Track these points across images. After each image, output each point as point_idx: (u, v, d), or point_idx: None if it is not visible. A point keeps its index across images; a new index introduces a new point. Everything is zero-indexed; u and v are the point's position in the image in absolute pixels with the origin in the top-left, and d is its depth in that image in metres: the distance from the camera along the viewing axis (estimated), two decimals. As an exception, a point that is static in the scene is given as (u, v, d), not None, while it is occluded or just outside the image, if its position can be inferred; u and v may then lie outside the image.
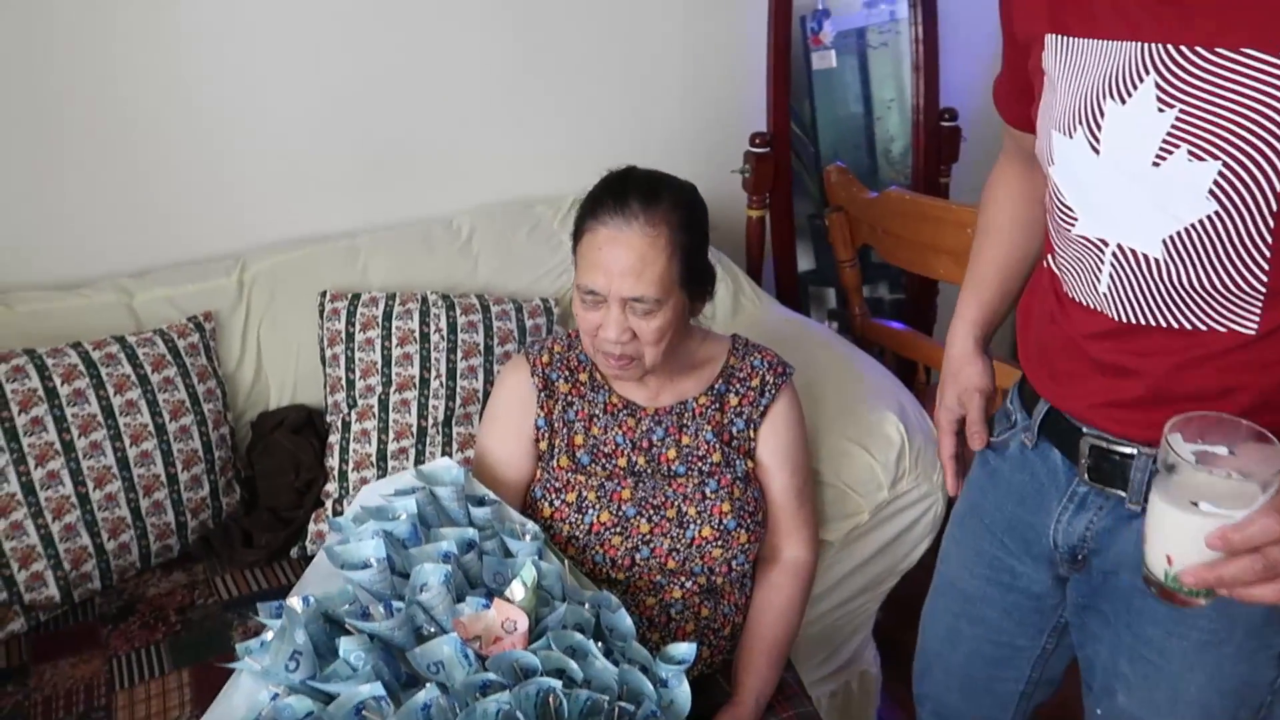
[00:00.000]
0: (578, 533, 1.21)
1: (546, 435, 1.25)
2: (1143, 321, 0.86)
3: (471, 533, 1.11)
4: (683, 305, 1.19)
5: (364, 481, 1.54)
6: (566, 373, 1.27)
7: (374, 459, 1.54)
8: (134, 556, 1.43)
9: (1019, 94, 0.97)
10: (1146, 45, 0.79)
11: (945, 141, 2.08)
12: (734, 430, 1.26)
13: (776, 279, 2.00)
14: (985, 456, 1.08)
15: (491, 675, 0.93)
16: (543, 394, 1.26)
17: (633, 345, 1.17)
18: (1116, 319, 0.87)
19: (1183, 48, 0.76)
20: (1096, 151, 0.83)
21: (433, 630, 1.00)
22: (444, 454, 1.55)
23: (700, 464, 1.24)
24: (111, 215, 1.64)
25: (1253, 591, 0.71)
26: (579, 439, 1.25)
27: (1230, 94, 0.74)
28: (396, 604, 1.00)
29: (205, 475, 1.51)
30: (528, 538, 1.12)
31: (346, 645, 0.93)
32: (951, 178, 2.14)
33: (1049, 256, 0.96)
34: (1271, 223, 0.76)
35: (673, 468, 1.24)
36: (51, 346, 1.43)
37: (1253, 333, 0.81)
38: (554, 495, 1.22)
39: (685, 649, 1.05)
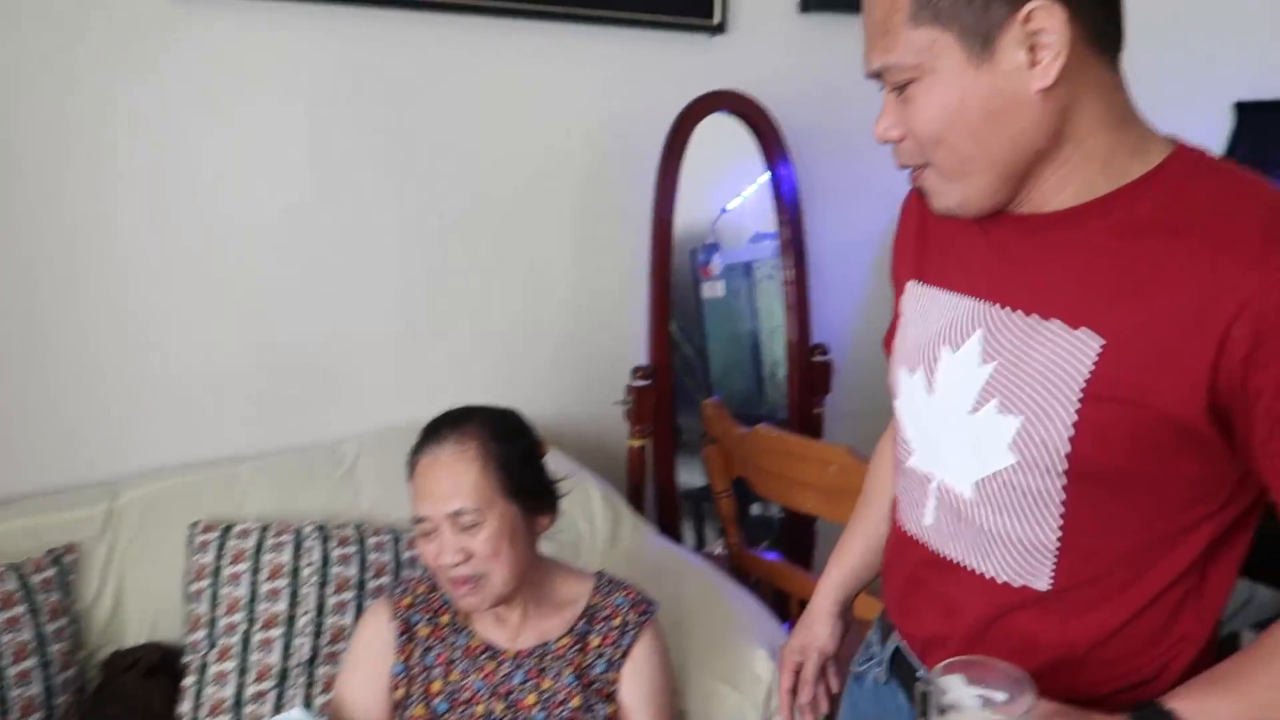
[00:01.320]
0: (431, 788, 1.17)
1: (404, 683, 1.23)
2: (956, 559, 0.91)
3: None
4: (514, 517, 1.21)
5: (218, 728, 1.46)
6: (429, 615, 1.27)
7: (230, 704, 1.47)
8: (-51, 820, 1.32)
9: None
10: (979, 302, 0.88)
11: (818, 375, 2.21)
12: (595, 673, 1.26)
13: (658, 509, 2.04)
14: (850, 688, 1.12)
15: None
16: (402, 638, 1.24)
17: (472, 564, 1.18)
18: (937, 553, 0.93)
19: (1007, 309, 0.86)
20: (931, 391, 0.91)
21: None
22: (305, 698, 1.50)
23: (560, 710, 1.22)
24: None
25: None
26: (436, 685, 1.23)
27: (1038, 356, 0.82)
28: None
29: (44, 724, 1.41)
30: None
31: None
32: (825, 408, 2.25)
33: (897, 486, 1.03)
34: (1063, 480, 0.83)
35: (531, 715, 1.22)
36: (-110, 585, 1.37)
37: (1046, 589, 0.86)
38: (407, 747, 1.19)
39: None
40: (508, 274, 1.99)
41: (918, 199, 1.01)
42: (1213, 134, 2.14)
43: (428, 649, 1.24)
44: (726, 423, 1.77)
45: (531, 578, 1.24)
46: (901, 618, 1.01)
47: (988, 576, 0.89)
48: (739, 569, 1.78)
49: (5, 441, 1.63)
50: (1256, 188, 0.78)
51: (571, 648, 1.26)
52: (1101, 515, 0.83)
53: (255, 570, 1.54)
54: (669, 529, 2.00)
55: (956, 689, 0.75)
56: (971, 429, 0.87)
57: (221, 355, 1.77)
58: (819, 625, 1.17)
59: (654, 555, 1.72)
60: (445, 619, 1.27)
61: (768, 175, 2.26)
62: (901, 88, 0.82)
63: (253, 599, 1.53)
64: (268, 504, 1.68)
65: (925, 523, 0.94)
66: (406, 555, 1.65)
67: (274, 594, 1.53)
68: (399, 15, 1.80)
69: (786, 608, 1.72)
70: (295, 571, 1.55)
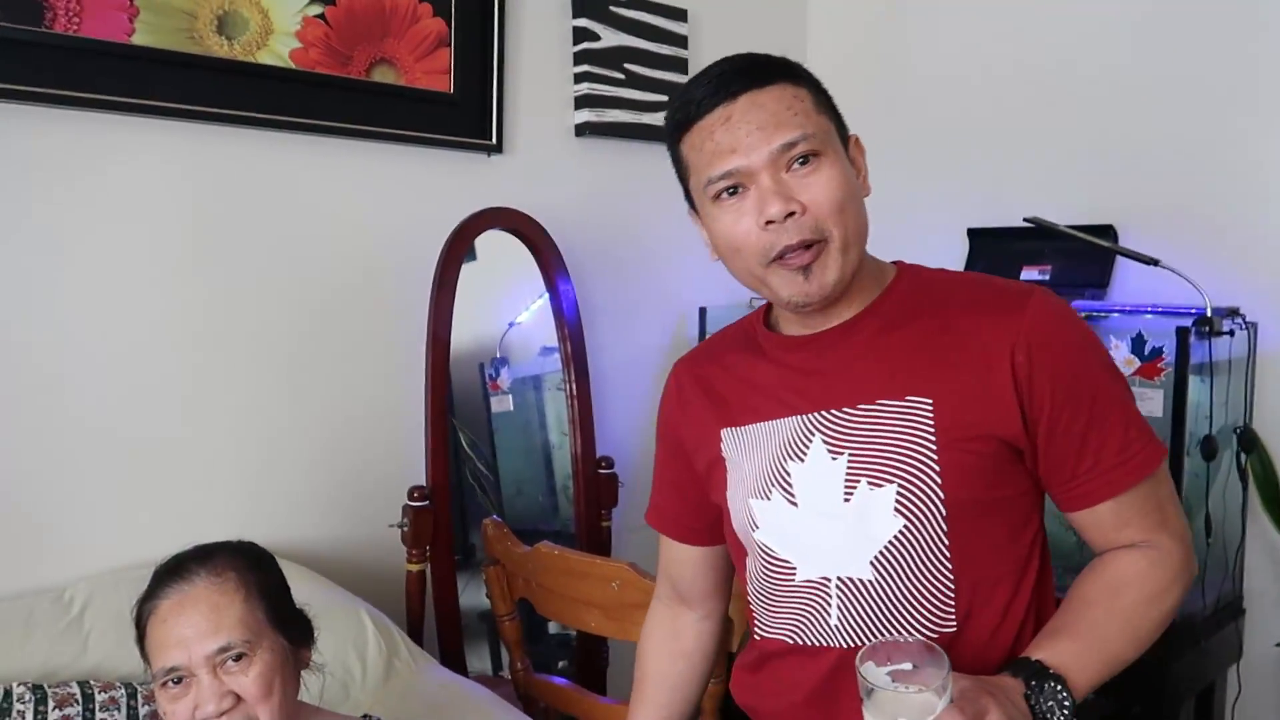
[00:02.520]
0: None
1: None
2: (868, 643, 0.95)
3: None
4: (284, 651, 1.10)
5: None
6: (157, 783, 1.10)
7: None
8: None
9: (688, 507, 1.15)
10: (804, 416, 1.01)
11: (604, 488, 2.19)
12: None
13: (439, 637, 1.93)
14: None
15: None
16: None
17: (241, 710, 1.05)
18: (848, 646, 0.98)
19: (833, 411, 0.99)
20: (795, 504, 1.00)
21: None
22: None
23: None
24: None
25: None
26: None
27: (882, 432, 0.96)
28: None
29: None
30: None
31: None
32: (613, 521, 2.23)
33: (757, 630, 1.07)
34: (945, 527, 0.95)
35: None
36: None
37: (954, 628, 0.95)
38: None
39: None
40: (273, 393, 1.87)
41: (684, 376, 1.15)
42: (952, 254, 2.37)
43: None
44: (507, 542, 1.71)
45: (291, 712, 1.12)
46: None
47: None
48: (527, 695, 1.69)
49: None
50: (966, 275, 1.06)
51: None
52: (979, 548, 0.96)
53: (-53, 746, 1.31)
54: (452, 657, 1.88)
55: (872, 673, 0.82)
56: (850, 515, 0.96)
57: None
58: None
59: (432, 689, 1.60)
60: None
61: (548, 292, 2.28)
62: (806, 159, 0.94)
63: (-58, 782, 1.29)
64: (-28, 664, 1.44)
65: (832, 624, 0.99)
66: (145, 710, 1.45)
67: (-29, 773, 1.30)
68: (158, 124, 1.70)
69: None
70: (0, 743, 1.33)
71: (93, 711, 1.40)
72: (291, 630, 1.13)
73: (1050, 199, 2.22)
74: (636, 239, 2.45)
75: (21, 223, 1.60)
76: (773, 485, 1.01)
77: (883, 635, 0.97)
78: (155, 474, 1.74)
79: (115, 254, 1.69)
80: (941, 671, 0.80)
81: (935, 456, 0.94)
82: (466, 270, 2.07)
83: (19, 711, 1.35)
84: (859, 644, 0.97)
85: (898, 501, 0.94)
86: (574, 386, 2.18)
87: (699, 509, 1.15)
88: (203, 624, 1.05)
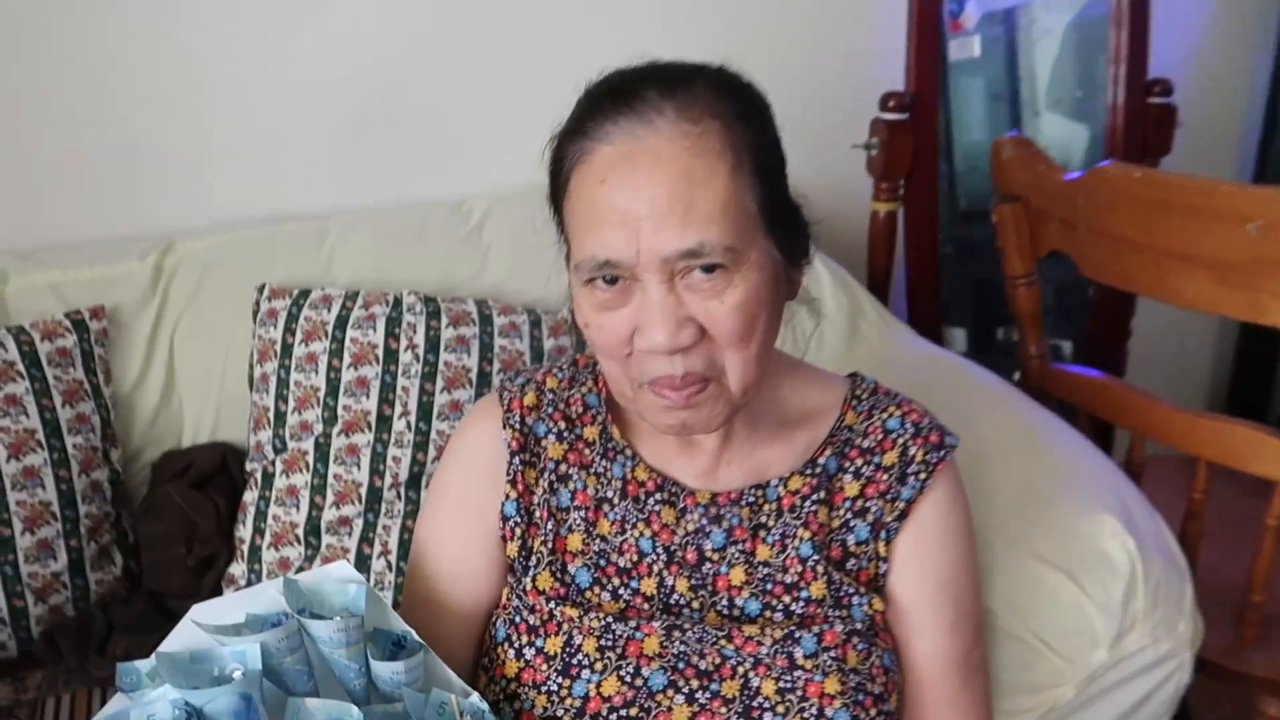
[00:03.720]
0: (560, 713, 0.67)
1: (518, 532, 0.72)
2: None
3: (357, 714, 0.60)
4: (774, 267, 0.65)
5: (284, 565, 1.04)
6: (562, 424, 0.74)
7: (301, 533, 1.05)
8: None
9: None
10: None
11: (1154, 124, 1.49)
12: (850, 542, 0.71)
13: (909, 300, 1.44)
14: None
15: None
16: (518, 459, 0.73)
17: (702, 352, 0.63)
18: None
19: None
20: None
21: None
22: (404, 530, 1.05)
23: (788, 600, 0.70)
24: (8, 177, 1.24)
25: None
26: (575, 541, 0.72)
27: None
28: None
29: (62, 540, 1.04)
30: (458, 729, 0.60)
31: None
32: (1159, 177, 1.55)
33: None
34: None
35: (738, 603, 0.70)
36: None
37: None
38: (524, 639, 0.69)
39: None
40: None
41: None
42: None
43: (561, 479, 0.73)
44: (1039, 166, 1.13)
45: (768, 366, 0.69)
46: None
47: None
48: (1040, 394, 1.18)
49: (38, 184, 1.25)
50: None
51: (809, 496, 0.71)
52: None
53: (335, 352, 1.08)
54: (928, 330, 1.39)
55: None
56: None
57: (316, 84, 1.33)
58: None
59: (913, 362, 1.15)
60: (591, 431, 0.74)
61: None
62: None
63: (331, 391, 1.07)
64: (362, 269, 1.22)
65: None
66: (550, 344, 1.14)
67: (360, 385, 1.07)
68: None
69: (1110, 447, 1.11)
70: (390, 356, 1.08)
71: (490, 335, 1.12)
72: (786, 235, 0.67)
73: None
74: None
75: None
76: None
77: None
78: (561, 80, 1.38)
79: None
80: None
81: None
82: None
83: (409, 323, 1.09)
84: None
85: None
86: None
87: None
88: (665, 199, 0.61)
